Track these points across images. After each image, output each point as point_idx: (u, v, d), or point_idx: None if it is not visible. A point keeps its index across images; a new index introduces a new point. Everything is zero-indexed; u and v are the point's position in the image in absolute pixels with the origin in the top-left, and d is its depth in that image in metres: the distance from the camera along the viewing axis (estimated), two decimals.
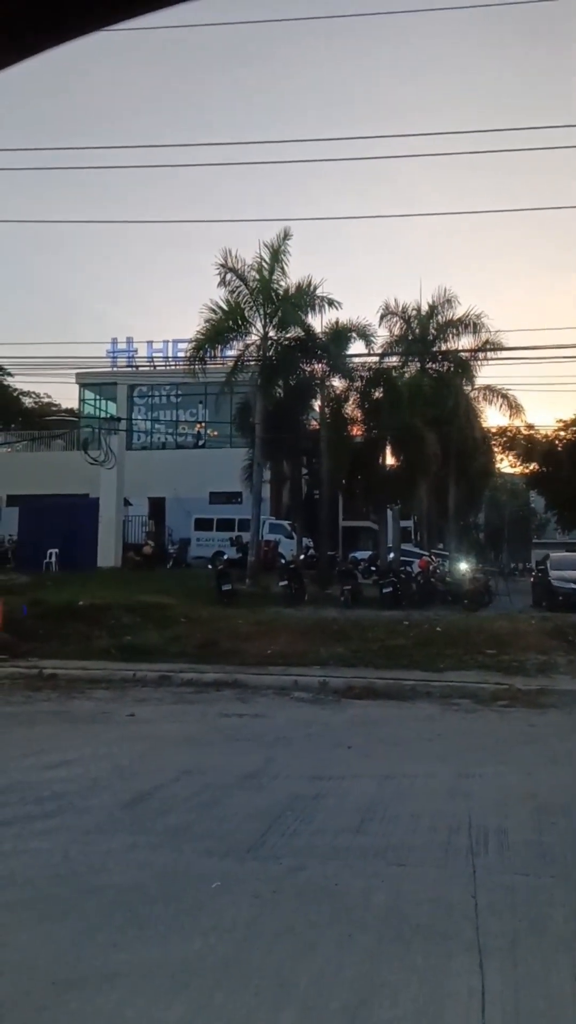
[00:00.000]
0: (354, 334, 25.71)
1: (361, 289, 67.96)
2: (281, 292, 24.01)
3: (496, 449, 41.61)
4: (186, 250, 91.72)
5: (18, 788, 6.49)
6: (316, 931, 3.95)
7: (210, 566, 24.54)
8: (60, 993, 3.33)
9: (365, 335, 26.07)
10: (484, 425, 37.72)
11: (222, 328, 23.96)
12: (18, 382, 48.29)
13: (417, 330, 34.33)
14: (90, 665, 13.59)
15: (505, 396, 35.59)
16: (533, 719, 9.85)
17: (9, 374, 44.81)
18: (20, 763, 7.36)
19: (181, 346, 33.87)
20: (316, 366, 25.14)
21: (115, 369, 34.63)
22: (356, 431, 26.24)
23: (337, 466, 23.99)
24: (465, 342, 33.76)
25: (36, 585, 20.51)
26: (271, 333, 24.20)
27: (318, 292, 24.51)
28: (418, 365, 33.66)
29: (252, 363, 24.15)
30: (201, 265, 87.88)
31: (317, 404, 26.53)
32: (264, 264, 24.00)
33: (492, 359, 33.67)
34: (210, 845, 5.20)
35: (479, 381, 35.27)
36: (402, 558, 26.42)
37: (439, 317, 34.08)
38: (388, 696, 11.63)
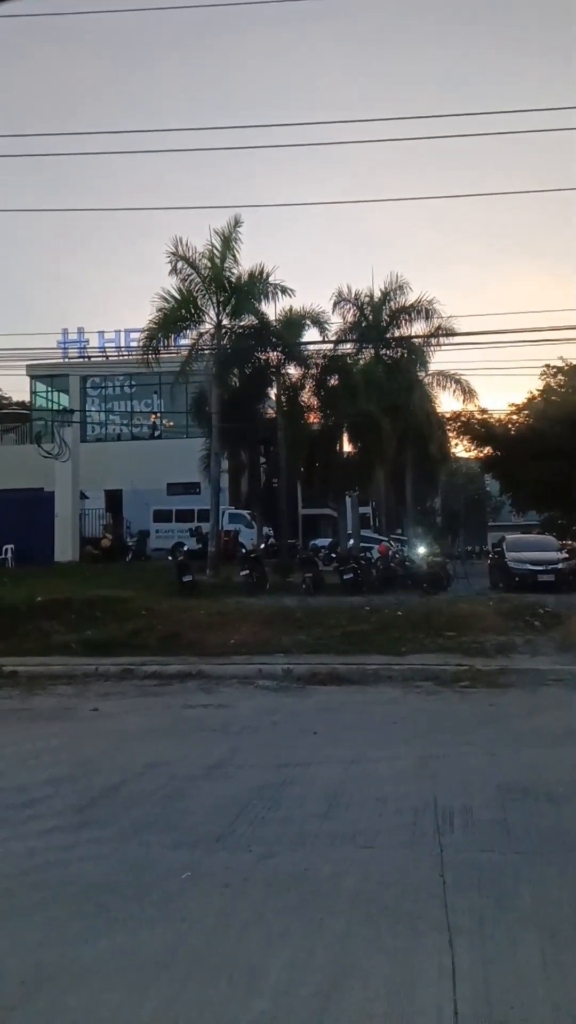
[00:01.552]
0: (308, 321, 25.68)
1: (314, 277, 67.92)
2: (234, 280, 23.85)
3: (451, 434, 42.04)
4: (137, 239, 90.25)
5: None
6: (286, 918, 3.96)
7: (170, 558, 24.37)
8: (30, 993, 3.29)
9: (319, 322, 26.07)
10: (438, 410, 38.16)
11: (175, 317, 23.72)
12: None
13: (370, 317, 34.46)
14: (51, 661, 13.42)
15: (458, 381, 35.98)
16: (494, 699, 10.01)
17: None
18: None
19: (134, 335, 33.49)
20: (271, 354, 25.07)
21: (66, 360, 34.08)
22: (313, 419, 26.27)
23: (295, 454, 24.00)
24: (418, 328, 34.04)
25: None
26: (225, 321, 24.06)
27: (271, 279, 24.42)
28: (372, 352, 33.82)
29: (206, 352, 23.97)
30: (152, 254, 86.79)
31: (273, 392, 26.47)
32: (215, 252, 23.80)
33: (445, 344, 33.96)
34: (178, 837, 5.18)
35: (432, 367, 35.63)
36: (362, 544, 26.59)
37: (392, 303, 34.25)
38: (351, 681, 11.71)
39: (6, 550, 25.31)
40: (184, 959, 3.56)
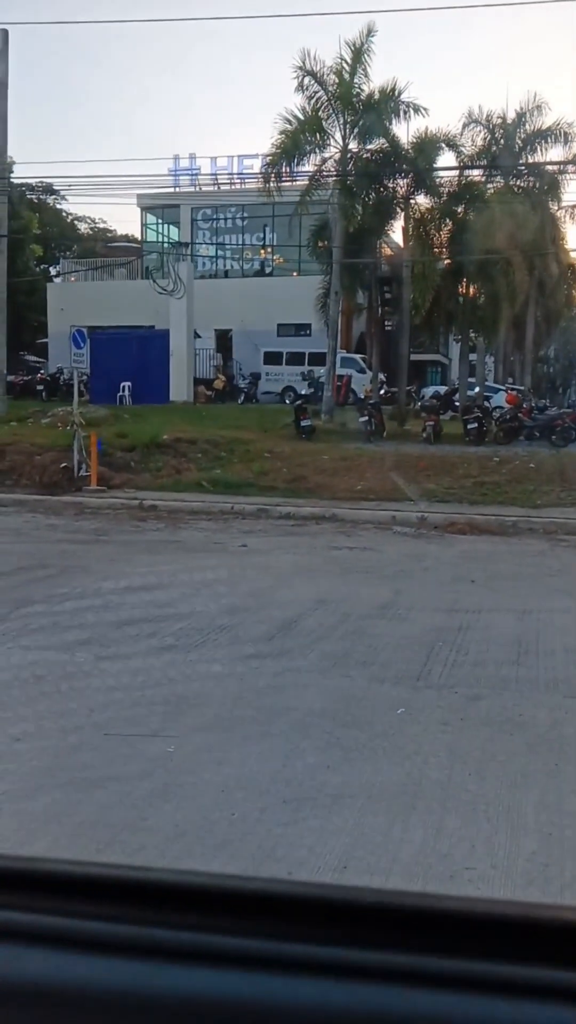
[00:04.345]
0: (443, 144, 23.49)
1: (444, 96, 61.15)
2: (363, 98, 21.80)
3: None
4: (252, 54, 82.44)
5: (164, 612, 6.62)
6: (519, 760, 3.96)
7: (287, 402, 24.15)
8: (294, 811, 3.41)
9: (455, 145, 23.85)
10: (569, 249, 35.27)
11: (298, 140, 22.05)
12: (72, 206, 46.24)
13: (502, 141, 31.39)
14: (186, 497, 13.72)
15: None
16: None
17: (64, 198, 42.85)
18: (157, 589, 7.50)
19: (247, 162, 31.65)
20: (399, 182, 23.20)
21: (177, 190, 32.62)
22: (438, 255, 24.61)
23: (421, 294, 22.67)
24: (554, 155, 30.92)
25: (115, 418, 20.47)
26: (352, 145, 22.25)
27: (402, 97, 22.17)
28: (500, 182, 31.05)
29: (331, 179, 22.39)
30: (267, 72, 79.82)
31: (398, 226, 24.81)
32: (344, 66, 21.65)
33: None
34: (376, 672, 5.24)
35: (566, 199, 32.60)
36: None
37: (526, 126, 31.00)
38: (491, 532, 11.53)
39: (124, 387, 25.49)
40: (432, 792, 3.61)
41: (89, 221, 48.76)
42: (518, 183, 31.96)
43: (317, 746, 4.08)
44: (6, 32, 22.57)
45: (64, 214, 46.85)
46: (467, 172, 28.11)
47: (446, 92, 51.47)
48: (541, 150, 31.34)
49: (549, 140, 30.83)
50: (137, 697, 4.70)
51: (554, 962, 0.61)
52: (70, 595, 7.11)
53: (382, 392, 24.46)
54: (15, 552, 9.19)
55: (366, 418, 20.15)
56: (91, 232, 48.56)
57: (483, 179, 29.95)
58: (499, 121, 30.99)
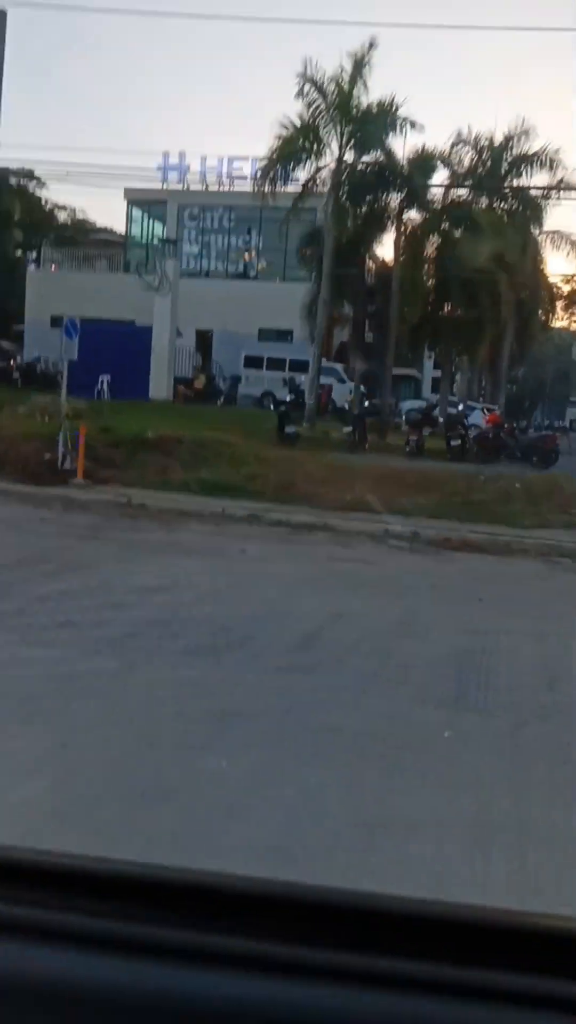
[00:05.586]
0: (439, 163, 23.70)
1: (439, 115, 61.43)
2: (361, 110, 21.88)
3: (560, 303, 39.78)
4: (248, 60, 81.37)
5: (180, 615, 6.45)
6: None
7: (272, 407, 24.04)
8: (370, 837, 3.28)
9: (449, 163, 24.05)
10: (547, 273, 36.01)
11: (294, 146, 22.04)
12: (52, 193, 45.34)
13: (488, 163, 31.86)
14: (175, 497, 13.48)
15: (574, 243, 33.61)
16: None
17: (42, 183, 41.99)
18: (168, 591, 7.31)
19: (237, 163, 31.56)
20: (392, 195, 23.31)
21: (165, 186, 32.31)
22: (426, 270, 24.83)
23: (411, 308, 22.81)
24: (538, 180, 31.56)
25: (96, 412, 20.09)
26: (348, 156, 22.29)
27: (399, 113, 22.30)
28: (486, 203, 31.51)
29: (326, 189, 22.39)
30: (259, 77, 79.45)
31: (388, 240, 24.95)
32: (345, 75, 21.71)
33: (565, 198, 31.82)
34: (412, 693, 5.14)
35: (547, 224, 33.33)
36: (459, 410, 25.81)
37: (513, 150, 31.55)
38: (485, 551, 11.53)
39: (101, 381, 25.03)
40: (504, 824, 3.52)
41: (69, 210, 47.96)
42: (502, 205, 32.51)
43: (376, 769, 3.95)
44: (4, 13, 22.15)
45: (43, 201, 46.02)
46: (454, 190, 28.54)
47: (441, 110, 51.95)
48: (527, 174, 31.96)
49: (535, 165, 31.41)
50: (177, 707, 4.53)
51: (545, 970, 0.63)
52: (80, 593, 6.87)
53: (365, 404, 24.48)
54: (11, 544, 8.90)
55: (351, 429, 20.18)
56: (70, 222, 47.73)
57: (470, 199, 30.38)
58: (487, 143, 31.50)
